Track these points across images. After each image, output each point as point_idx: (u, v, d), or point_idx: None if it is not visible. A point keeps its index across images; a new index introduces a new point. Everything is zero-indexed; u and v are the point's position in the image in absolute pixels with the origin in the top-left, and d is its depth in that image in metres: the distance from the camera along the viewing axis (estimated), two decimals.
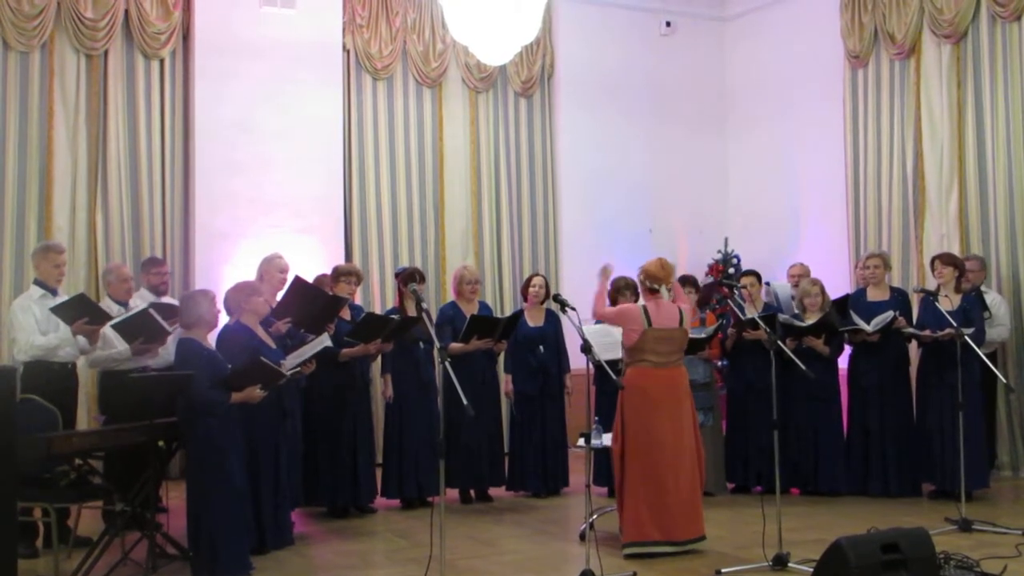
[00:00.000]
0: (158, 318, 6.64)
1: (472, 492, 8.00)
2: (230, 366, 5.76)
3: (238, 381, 5.70)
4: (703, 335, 7.60)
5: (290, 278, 7.05)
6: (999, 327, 8.14)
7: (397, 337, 7.45)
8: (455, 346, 7.64)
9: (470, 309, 8.02)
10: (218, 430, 5.64)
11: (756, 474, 7.95)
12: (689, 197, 11.49)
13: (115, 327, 6.60)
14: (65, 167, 8.94)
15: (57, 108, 8.93)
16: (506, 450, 8.26)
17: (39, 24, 8.78)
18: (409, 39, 10.42)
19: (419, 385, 7.75)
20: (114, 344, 6.80)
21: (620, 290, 7.73)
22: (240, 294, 6.25)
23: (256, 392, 5.75)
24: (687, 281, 8.00)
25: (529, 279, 8.41)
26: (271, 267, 7.29)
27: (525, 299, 8.34)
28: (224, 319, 6.24)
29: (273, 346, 6.26)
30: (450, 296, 8.58)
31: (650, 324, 6.11)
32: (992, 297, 8.25)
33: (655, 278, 6.25)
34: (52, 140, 8.88)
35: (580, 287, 9.58)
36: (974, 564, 5.33)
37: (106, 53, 9.13)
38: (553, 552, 6.29)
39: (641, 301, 6.38)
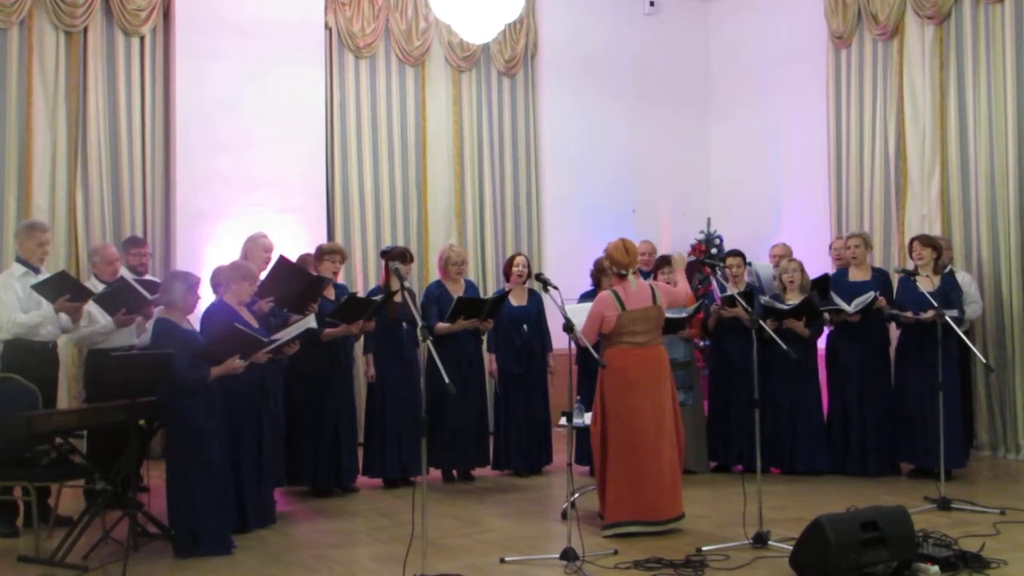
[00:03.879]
0: (137, 286, 6.60)
1: (454, 472, 8.02)
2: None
3: (215, 351, 5.67)
4: (684, 314, 7.61)
5: (274, 257, 7.02)
6: (972, 304, 8.18)
7: (379, 312, 7.41)
8: (441, 326, 7.64)
9: (456, 289, 8.00)
10: (198, 410, 5.63)
11: (737, 453, 7.99)
12: (672, 177, 11.49)
13: (96, 300, 6.56)
14: (44, 145, 8.85)
15: (36, 86, 8.83)
16: (491, 430, 8.28)
17: (17, 0, 8.67)
18: (392, 17, 10.35)
19: (401, 365, 7.73)
20: (97, 319, 6.76)
21: (604, 271, 7.68)
22: (232, 273, 6.21)
23: (236, 363, 5.71)
24: (666, 261, 7.99)
25: (512, 259, 8.36)
26: (255, 246, 7.24)
27: (507, 279, 8.32)
28: (209, 299, 6.22)
29: (256, 325, 6.22)
30: (432, 275, 8.55)
31: (624, 308, 6.10)
32: (961, 276, 8.28)
33: (620, 263, 6.17)
34: (31, 118, 8.79)
35: (563, 266, 9.64)
36: (952, 542, 5.38)
37: (86, 30, 9.02)
38: (535, 531, 6.31)
39: (611, 286, 6.30)
